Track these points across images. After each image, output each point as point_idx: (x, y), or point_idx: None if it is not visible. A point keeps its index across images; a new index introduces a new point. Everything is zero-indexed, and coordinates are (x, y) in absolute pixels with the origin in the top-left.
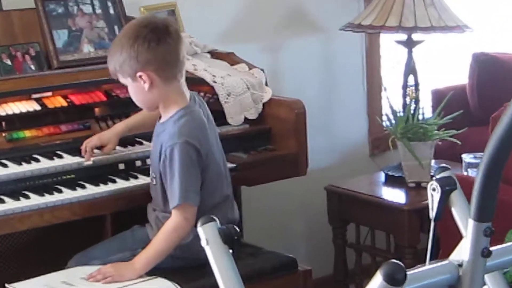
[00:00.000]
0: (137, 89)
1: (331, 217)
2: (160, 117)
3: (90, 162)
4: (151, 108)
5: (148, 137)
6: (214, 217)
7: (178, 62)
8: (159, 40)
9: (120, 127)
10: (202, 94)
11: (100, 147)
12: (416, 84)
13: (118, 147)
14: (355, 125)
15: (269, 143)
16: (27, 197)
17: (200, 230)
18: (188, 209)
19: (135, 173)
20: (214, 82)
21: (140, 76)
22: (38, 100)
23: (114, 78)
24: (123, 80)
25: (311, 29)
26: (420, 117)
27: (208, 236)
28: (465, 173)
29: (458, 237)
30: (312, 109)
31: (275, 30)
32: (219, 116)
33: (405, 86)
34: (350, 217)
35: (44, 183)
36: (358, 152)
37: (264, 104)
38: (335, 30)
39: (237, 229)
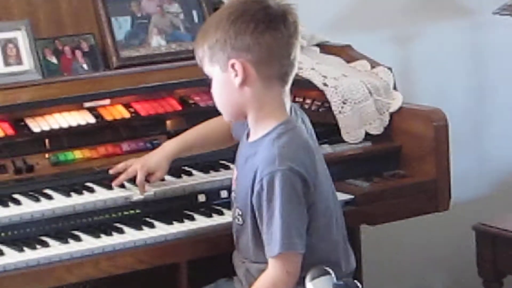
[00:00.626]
0: (225, 83)
1: (481, 267)
2: (248, 135)
3: (141, 197)
4: (235, 115)
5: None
6: (328, 269)
7: (287, 61)
8: (270, 24)
9: (171, 146)
10: (308, 101)
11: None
12: None
13: (197, 173)
14: None
15: (398, 167)
16: (77, 238)
17: (309, 286)
18: (292, 259)
19: (220, 208)
20: (325, 85)
21: (233, 65)
22: (92, 110)
23: (200, 66)
24: (209, 68)
25: (454, 13)
26: None
27: None
28: None
29: None
30: (457, 121)
31: (405, 15)
32: (331, 131)
33: None
34: (508, 268)
35: (100, 221)
36: None
37: (391, 115)
38: (488, 13)
39: (358, 284)
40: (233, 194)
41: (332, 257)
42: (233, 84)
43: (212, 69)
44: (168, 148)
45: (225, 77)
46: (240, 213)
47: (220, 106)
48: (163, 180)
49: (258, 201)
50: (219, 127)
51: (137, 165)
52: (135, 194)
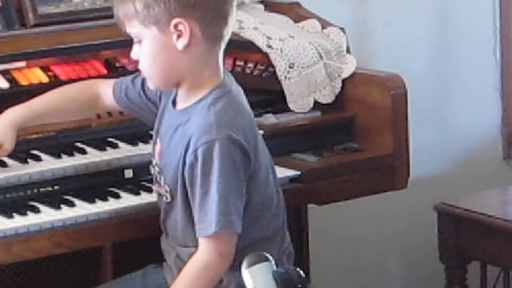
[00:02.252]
0: (163, 46)
1: (444, 251)
2: (174, 101)
3: None
4: (168, 82)
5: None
6: (267, 255)
7: (229, 19)
8: None
9: (15, 114)
10: (250, 65)
11: None
12: None
13: (123, 144)
14: (481, 113)
15: (351, 140)
16: None
17: (246, 274)
18: (227, 239)
19: (149, 185)
20: (269, 47)
21: (176, 26)
22: (5, 73)
23: (121, 26)
24: (139, 29)
25: None
26: None
27: (258, 284)
28: None
29: None
30: (417, 88)
31: None
32: (276, 99)
33: None
34: (472, 252)
35: (12, 198)
36: (486, 153)
37: (344, 81)
38: None
39: (301, 272)
40: (156, 169)
41: (272, 241)
42: (173, 47)
43: (144, 30)
44: (12, 116)
45: (163, 39)
46: (167, 189)
47: (150, 73)
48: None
49: (190, 174)
50: (81, 92)
51: None
52: None
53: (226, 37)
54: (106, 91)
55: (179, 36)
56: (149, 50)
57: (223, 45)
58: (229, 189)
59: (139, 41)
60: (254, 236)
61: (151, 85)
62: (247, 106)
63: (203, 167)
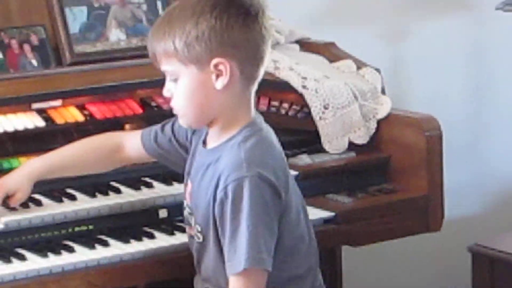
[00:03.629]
0: (201, 84)
1: None
2: (204, 142)
3: (1, 226)
4: (202, 121)
5: None
6: None
7: (265, 59)
8: (256, 17)
9: (36, 165)
10: (286, 105)
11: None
12: None
13: (157, 184)
14: None
15: (385, 181)
16: (22, 257)
17: None
18: (257, 277)
19: (183, 225)
20: (304, 87)
21: (216, 65)
22: (41, 112)
23: (155, 63)
24: (178, 67)
25: (452, 8)
26: None
27: None
28: None
29: None
30: (452, 128)
31: (397, 9)
32: (311, 139)
33: None
34: None
35: (47, 238)
36: None
37: (379, 122)
38: (490, 8)
39: None
40: (187, 210)
41: (304, 281)
42: (212, 86)
43: (182, 68)
44: (31, 166)
45: (202, 78)
46: (199, 229)
47: (184, 111)
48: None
49: (220, 211)
50: (100, 145)
51: None
52: None
53: (260, 76)
54: (130, 142)
55: (218, 76)
56: (186, 88)
57: (256, 84)
58: (259, 226)
59: (175, 79)
60: (286, 276)
61: (183, 122)
62: (278, 145)
63: (233, 204)
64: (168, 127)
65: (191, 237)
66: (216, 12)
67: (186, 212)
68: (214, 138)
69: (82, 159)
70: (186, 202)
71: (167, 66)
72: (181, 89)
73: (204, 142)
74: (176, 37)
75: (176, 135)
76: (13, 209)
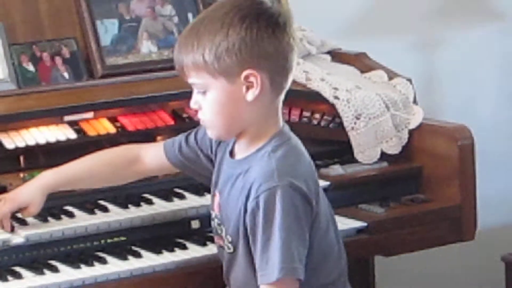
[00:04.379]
0: (231, 97)
1: None
2: (231, 152)
3: (21, 239)
4: (232, 133)
5: None
6: None
7: (293, 69)
8: (285, 28)
9: (49, 178)
10: (317, 116)
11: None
12: None
13: (189, 195)
14: None
15: (418, 190)
16: (54, 269)
17: None
18: (290, 286)
19: None
20: (336, 98)
21: (247, 77)
22: (73, 124)
23: (183, 75)
24: (206, 80)
25: (483, 17)
26: None
27: None
28: None
29: None
30: (486, 139)
31: (428, 19)
32: (343, 150)
33: None
34: None
35: (80, 249)
36: None
37: (411, 132)
38: None
39: None
40: (215, 221)
41: None
42: (242, 97)
43: (212, 80)
44: (43, 179)
45: (232, 90)
46: (230, 239)
47: (214, 123)
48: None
49: (252, 221)
50: (116, 157)
51: (7, 198)
52: (16, 237)
53: (288, 86)
54: (149, 153)
55: (248, 87)
56: (215, 100)
57: (284, 94)
58: (291, 236)
59: (203, 92)
60: (316, 283)
61: (212, 134)
62: (306, 154)
63: (265, 214)
64: (192, 138)
65: (220, 247)
66: (246, 23)
67: (214, 222)
68: (243, 149)
69: (97, 171)
70: (214, 213)
71: (196, 79)
72: (210, 102)
73: (231, 153)
74: (206, 49)
75: (200, 145)
76: (45, 220)
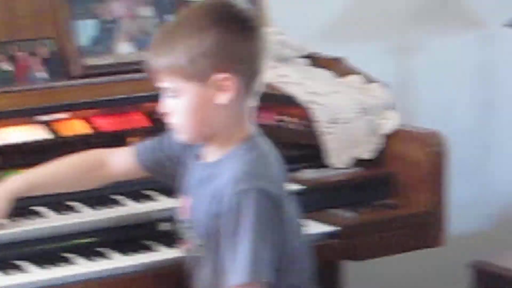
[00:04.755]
0: (203, 100)
1: None
2: (201, 155)
3: None
4: (202, 136)
5: None
6: None
7: (263, 72)
8: (258, 31)
9: (16, 183)
10: (292, 119)
11: None
12: None
13: (159, 197)
14: None
15: (390, 196)
16: (21, 269)
17: None
18: None
19: None
20: (311, 102)
21: (221, 81)
22: (47, 124)
23: (154, 79)
24: (177, 84)
25: (460, 24)
26: None
27: None
28: None
29: None
30: (459, 146)
31: (406, 25)
32: (316, 154)
33: None
34: None
35: (47, 250)
36: None
37: (386, 138)
38: (498, 26)
39: None
40: (184, 225)
41: None
42: (214, 101)
43: (185, 84)
44: (9, 186)
45: (206, 94)
46: (199, 243)
47: (186, 127)
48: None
49: (222, 224)
50: (82, 162)
51: None
52: None
53: (259, 89)
54: (116, 158)
55: (222, 91)
56: (188, 105)
57: (254, 97)
58: (261, 239)
59: (175, 96)
60: (285, 286)
61: (183, 138)
62: (277, 157)
63: (235, 217)
64: (163, 141)
65: (188, 251)
66: (220, 27)
67: (183, 226)
68: (213, 152)
69: (63, 176)
70: (182, 217)
71: (169, 83)
72: (182, 106)
73: (201, 156)
74: (180, 53)
75: (171, 149)
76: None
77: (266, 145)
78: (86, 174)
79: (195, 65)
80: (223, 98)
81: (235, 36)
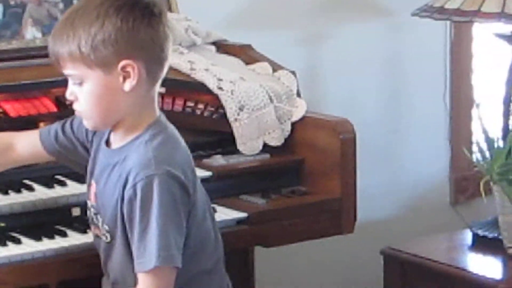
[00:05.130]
0: (107, 88)
1: None
2: (107, 141)
3: None
4: (108, 123)
5: None
6: None
7: (169, 58)
8: (160, 17)
9: None
10: (201, 106)
11: None
12: None
13: (70, 182)
14: (431, 159)
15: (299, 183)
16: None
17: None
18: (167, 274)
19: None
20: (220, 89)
21: (124, 67)
22: None
23: (57, 66)
24: (81, 71)
25: (369, 13)
26: None
27: None
28: None
29: None
30: (366, 133)
31: (314, 14)
32: (225, 141)
33: (507, 101)
34: None
35: None
36: (434, 198)
37: (293, 125)
38: (406, 15)
39: None
40: (91, 211)
41: (212, 277)
42: (119, 88)
43: (88, 72)
44: None
45: (109, 81)
46: (107, 228)
47: (90, 114)
48: (32, 190)
49: (129, 209)
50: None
51: None
52: None
53: (164, 75)
54: (23, 141)
55: (125, 78)
56: (92, 92)
57: (160, 83)
58: (169, 224)
59: (80, 83)
60: (194, 270)
61: (88, 125)
62: (183, 143)
63: (142, 202)
64: (67, 126)
65: (97, 237)
66: (121, 14)
67: (91, 212)
68: (119, 138)
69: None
70: (90, 203)
71: (72, 70)
72: (87, 93)
73: (107, 142)
74: (82, 41)
75: (77, 134)
76: None
77: (173, 131)
78: (7, 158)
79: (98, 53)
80: (127, 85)
81: (137, 23)
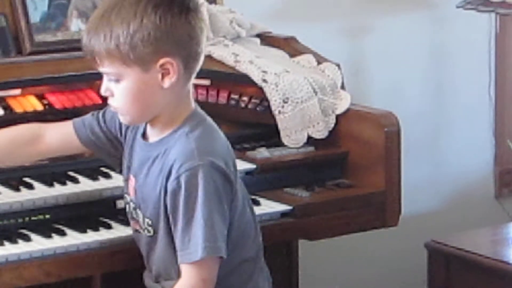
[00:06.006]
0: (146, 85)
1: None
2: (144, 134)
3: None
4: (146, 118)
5: None
6: None
7: (203, 51)
8: (196, 13)
9: None
10: (245, 98)
11: None
12: None
13: (115, 174)
14: (475, 152)
15: (343, 175)
16: None
17: None
18: (211, 265)
19: None
20: (264, 81)
21: (163, 65)
22: (0, 100)
23: (93, 62)
24: (118, 69)
25: (413, 5)
26: None
27: None
28: None
29: None
30: (411, 126)
31: (358, 5)
32: (270, 133)
33: None
34: None
35: (4, 226)
36: (478, 192)
37: (338, 117)
38: (451, 7)
39: None
40: (131, 205)
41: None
42: (157, 85)
43: (126, 69)
44: None
45: (147, 78)
46: (150, 222)
47: (127, 110)
48: (77, 182)
49: (173, 201)
50: (17, 135)
51: None
52: None
53: (199, 68)
54: (54, 133)
55: (164, 75)
56: (129, 89)
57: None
58: (214, 214)
59: (116, 80)
60: (235, 260)
61: (125, 120)
62: (222, 133)
63: (186, 194)
64: (101, 118)
65: (136, 231)
66: (160, 11)
67: (130, 207)
68: (157, 132)
69: (15, 147)
70: (129, 197)
71: (109, 68)
72: (124, 90)
73: (143, 135)
74: (120, 39)
75: (109, 126)
76: None
77: (211, 122)
78: (23, 148)
79: (137, 51)
80: (166, 82)
81: (175, 20)
